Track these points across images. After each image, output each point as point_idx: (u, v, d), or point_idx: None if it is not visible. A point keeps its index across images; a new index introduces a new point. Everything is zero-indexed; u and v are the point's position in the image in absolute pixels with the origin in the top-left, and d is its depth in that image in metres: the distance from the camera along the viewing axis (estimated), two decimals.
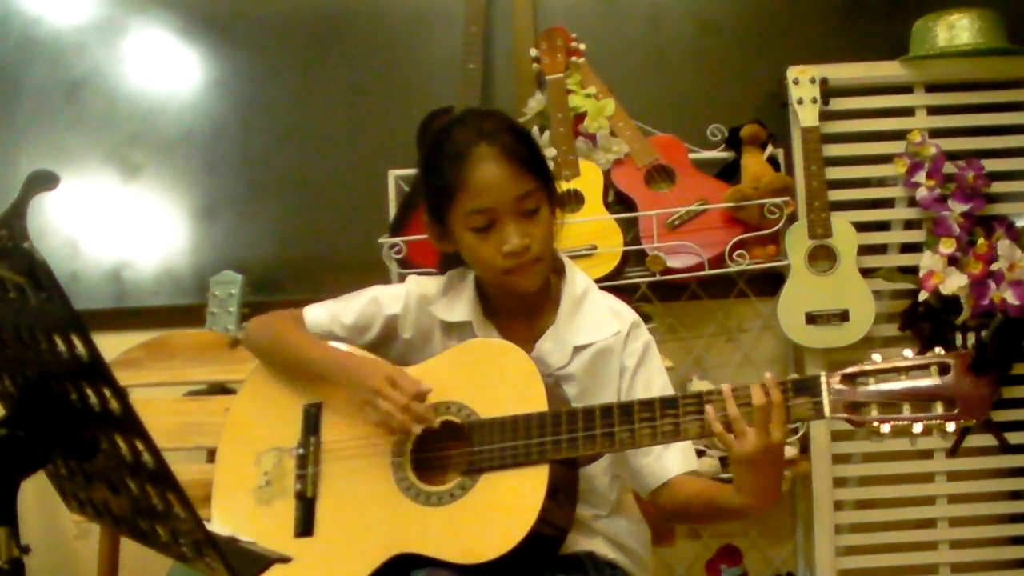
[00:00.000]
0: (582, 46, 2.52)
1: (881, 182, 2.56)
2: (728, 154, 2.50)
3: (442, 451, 1.48)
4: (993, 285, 2.37)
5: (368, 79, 2.68)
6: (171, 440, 2.09)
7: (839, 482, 2.50)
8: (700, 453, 2.23)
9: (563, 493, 1.43)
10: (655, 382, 1.56)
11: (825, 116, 2.48)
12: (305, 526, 1.51)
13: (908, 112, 2.54)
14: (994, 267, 2.37)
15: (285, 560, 1.19)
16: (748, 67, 2.65)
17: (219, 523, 1.55)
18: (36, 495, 2.38)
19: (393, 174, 2.50)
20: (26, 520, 1.11)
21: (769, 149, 2.47)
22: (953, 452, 2.47)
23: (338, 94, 2.68)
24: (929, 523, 2.51)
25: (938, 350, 1.29)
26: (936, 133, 2.51)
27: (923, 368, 1.28)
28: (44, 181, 1.02)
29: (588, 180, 2.40)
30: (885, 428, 1.27)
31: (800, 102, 2.45)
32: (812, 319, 2.41)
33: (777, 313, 2.44)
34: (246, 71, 2.69)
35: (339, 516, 1.50)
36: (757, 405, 1.30)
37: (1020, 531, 2.54)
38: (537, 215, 1.50)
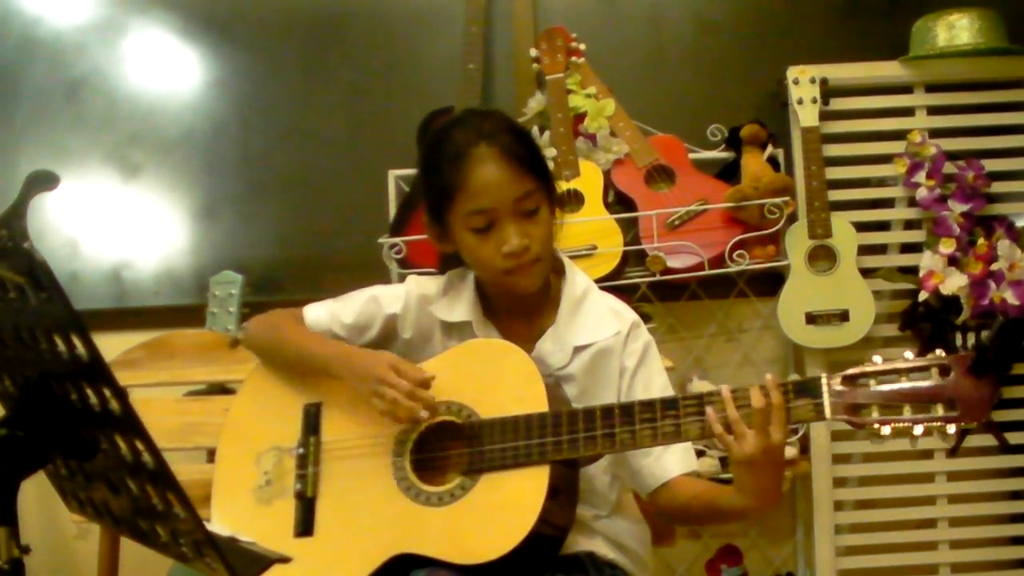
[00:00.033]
0: (582, 46, 2.52)
1: (881, 182, 2.56)
2: (728, 154, 2.50)
3: (442, 451, 1.48)
4: (993, 285, 2.37)
5: (368, 79, 2.68)
6: (171, 440, 2.09)
7: (839, 482, 2.50)
8: (700, 453, 2.23)
9: (563, 493, 1.42)
10: (655, 382, 1.56)
11: (825, 116, 2.48)
12: (305, 526, 1.51)
13: (908, 112, 2.54)
14: (994, 267, 2.37)
15: (285, 560, 1.19)
16: (748, 67, 2.65)
17: (219, 523, 1.55)
18: (36, 495, 2.38)
19: (393, 174, 2.50)
20: (26, 520, 1.11)
21: (769, 149, 2.47)
22: (953, 452, 2.47)
23: (338, 94, 2.68)
24: (929, 523, 2.51)
25: (939, 352, 1.29)
26: (936, 133, 2.51)
27: (924, 370, 1.28)
28: (44, 181, 1.02)
29: (588, 180, 2.40)
30: (886, 430, 1.27)
31: (800, 102, 2.45)
32: (812, 319, 2.41)
33: (777, 313, 2.44)
34: (246, 71, 2.69)
35: (339, 516, 1.50)
36: (756, 407, 1.30)
37: (1020, 531, 2.54)
38: (537, 215, 1.50)
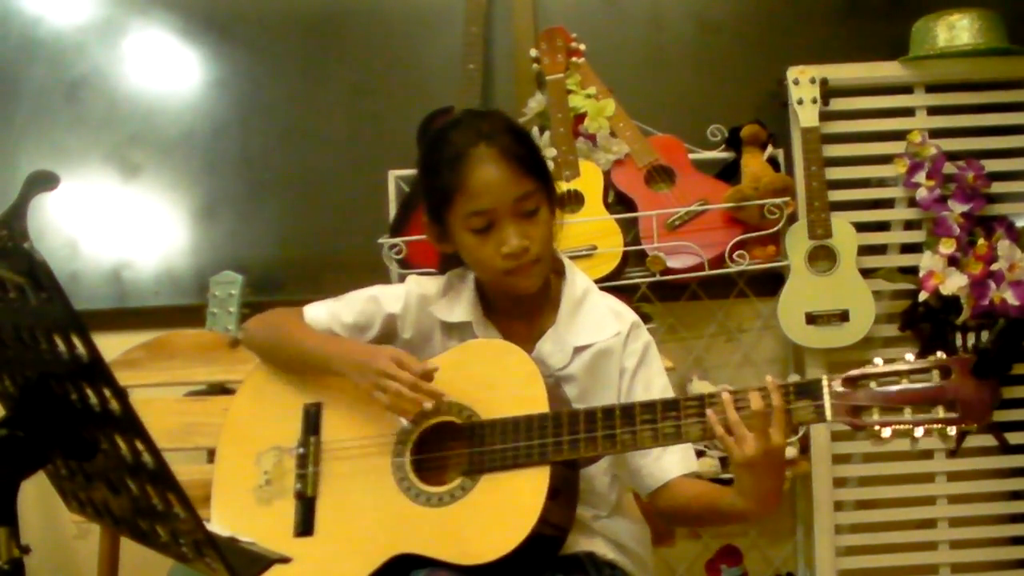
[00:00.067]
0: (582, 46, 2.52)
1: (881, 182, 2.56)
2: (728, 154, 2.50)
3: (442, 451, 1.48)
4: (993, 285, 2.37)
5: (368, 79, 2.68)
6: (171, 440, 2.09)
7: (839, 482, 2.50)
8: (700, 454, 2.23)
9: (564, 494, 1.42)
10: (655, 383, 1.56)
11: (825, 116, 2.48)
12: (305, 526, 1.51)
13: (908, 112, 2.54)
14: (994, 267, 2.37)
15: (285, 560, 1.19)
16: (748, 67, 2.65)
17: (219, 522, 1.55)
18: (36, 495, 2.38)
19: (393, 174, 2.50)
20: (26, 520, 1.12)
21: (769, 149, 2.47)
22: (953, 453, 2.47)
23: (338, 94, 2.68)
24: (929, 523, 2.51)
25: (940, 354, 1.29)
26: (936, 133, 2.51)
27: (925, 372, 1.28)
28: (44, 181, 1.02)
29: (588, 180, 2.40)
30: (886, 432, 1.27)
31: (800, 102, 2.45)
32: (812, 319, 2.41)
33: (777, 313, 2.44)
34: (246, 71, 2.69)
35: (339, 516, 1.50)
36: (755, 411, 1.30)
37: (1020, 531, 2.54)
38: (536, 216, 1.50)
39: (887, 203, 2.56)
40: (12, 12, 2.70)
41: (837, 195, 2.48)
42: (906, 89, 2.55)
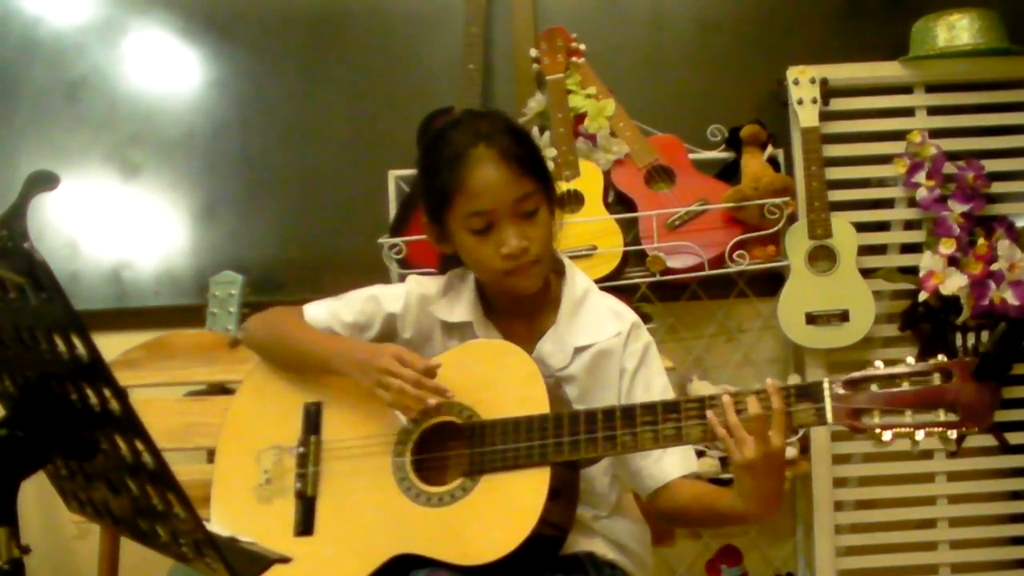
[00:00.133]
0: (582, 46, 2.52)
1: (881, 182, 2.56)
2: (728, 154, 2.50)
3: (443, 452, 1.48)
4: (993, 285, 2.37)
5: (368, 79, 2.68)
6: (171, 440, 2.09)
7: (839, 482, 2.50)
8: (700, 454, 2.23)
9: (564, 495, 1.42)
10: (655, 384, 1.56)
11: (825, 116, 2.48)
12: (305, 525, 1.51)
13: (908, 112, 2.54)
14: (994, 267, 2.37)
15: (285, 560, 1.19)
16: (748, 67, 2.65)
17: (219, 521, 1.55)
18: (36, 495, 2.38)
19: (393, 174, 2.50)
20: (26, 520, 1.12)
21: (769, 149, 2.47)
22: (954, 453, 2.47)
23: (338, 94, 2.68)
24: (929, 523, 2.51)
25: (941, 357, 1.29)
26: (936, 133, 2.51)
27: (925, 374, 1.28)
28: (44, 181, 1.01)
29: (588, 180, 2.40)
30: (887, 435, 1.27)
31: (800, 102, 2.45)
32: (812, 319, 2.41)
33: (777, 313, 2.44)
34: (246, 71, 2.69)
35: (339, 516, 1.50)
36: (754, 414, 1.30)
37: (1020, 531, 2.54)
38: (536, 217, 1.50)
39: (887, 203, 2.56)
40: (12, 12, 2.70)
41: (837, 195, 2.48)
42: (906, 89, 2.55)
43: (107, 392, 0.96)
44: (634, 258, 2.40)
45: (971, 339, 2.40)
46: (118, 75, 2.69)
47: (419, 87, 2.64)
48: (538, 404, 1.43)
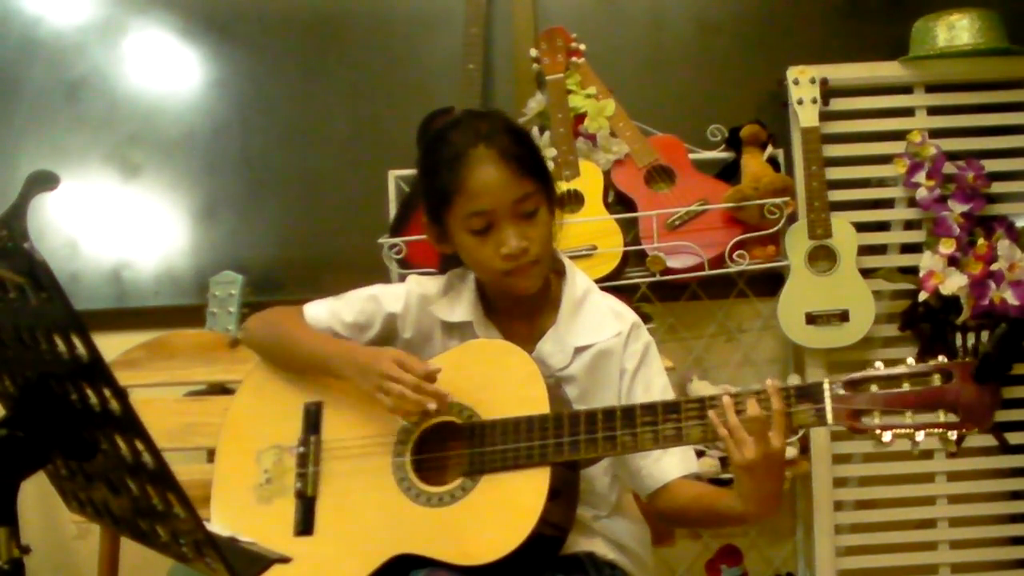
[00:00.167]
0: (582, 46, 2.52)
1: (881, 182, 2.56)
2: (728, 154, 2.50)
3: (443, 452, 1.48)
4: (993, 285, 2.37)
5: (368, 79, 2.68)
6: (171, 440, 2.09)
7: (839, 482, 2.50)
8: (700, 454, 2.23)
9: (564, 495, 1.42)
10: (655, 384, 1.56)
11: (825, 116, 2.48)
12: (305, 525, 1.51)
13: (908, 112, 2.55)
14: (994, 267, 2.37)
15: (285, 560, 1.19)
16: (748, 67, 2.65)
17: (219, 520, 1.55)
18: (36, 495, 2.38)
19: (393, 174, 2.50)
20: (26, 520, 1.12)
21: (769, 149, 2.47)
22: (954, 453, 2.47)
23: (338, 94, 2.68)
24: (929, 523, 2.51)
25: (941, 358, 1.29)
26: (936, 133, 2.51)
27: (926, 375, 1.28)
28: (44, 181, 1.01)
29: (588, 180, 2.40)
30: (887, 436, 1.27)
31: (800, 102, 2.45)
32: (812, 319, 2.41)
33: (777, 313, 2.44)
34: (246, 71, 2.69)
35: (339, 516, 1.50)
36: (753, 415, 1.30)
37: (1020, 531, 2.54)
38: (535, 217, 1.49)
39: (887, 203, 2.56)
40: (12, 12, 2.70)
41: (837, 195, 2.48)
42: (906, 89, 2.55)
43: (107, 392, 0.96)
44: (634, 258, 2.40)
45: (971, 339, 2.40)
46: (118, 75, 2.69)
47: (419, 87, 2.64)
48: (538, 404, 1.43)
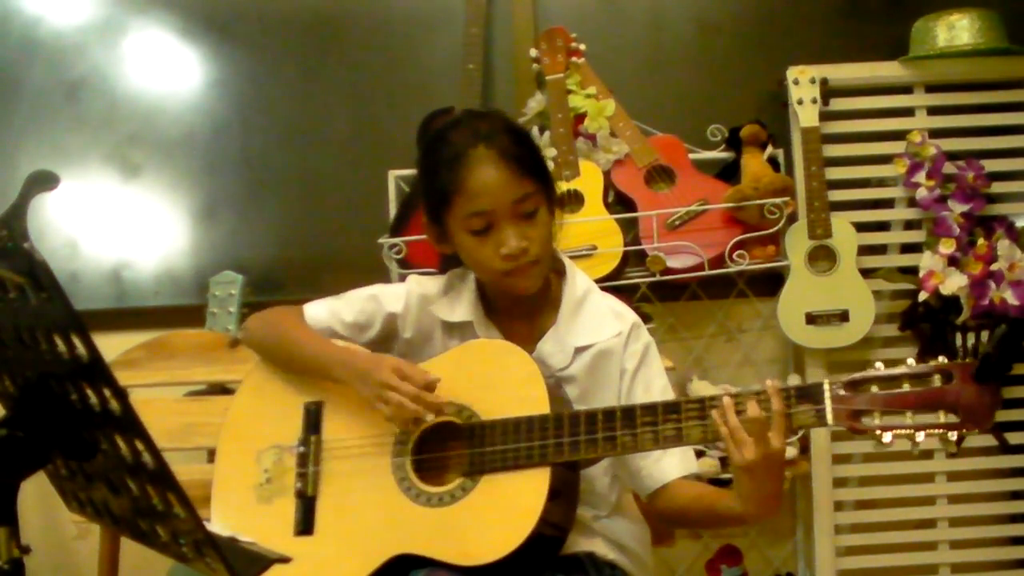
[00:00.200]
0: (582, 46, 2.52)
1: (881, 182, 2.56)
2: (728, 154, 2.50)
3: (443, 452, 1.48)
4: (993, 285, 2.37)
5: (368, 79, 2.68)
6: (171, 440, 2.09)
7: (839, 482, 2.50)
8: (700, 454, 2.23)
9: (564, 495, 1.42)
10: (655, 384, 1.56)
11: (825, 116, 2.48)
12: (305, 525, 1.51)
13: (908, 112, 2.55)
14: (994, 267, 2.37)
15: (285, 560, 1.19)
16: (748, 67, 2.65)
17: (219, 520, 1.55)
18: (36, 495, 2.38)
19: (393, 174, 2.50)
20: (26, 520, 1.12)
21: (769, 149, 2.47)
22: (954, 453, 2.47)
23: (338, 94, 2.68)
24: (929, 523, 2.51)
25: (941, 358, 1.29)
26: (936, 133, 2.51)
27: (926, 376, 1.28)
28: (44, 181, 1.01)
29: (588, 180, 2.40)
30: (887, 437, 1.27)
31: (800, 102, 2.45)
32: (812, 319, 2.41)
33: (777, 313, 2.44)
34: (246, 71, 2.69)
35: (339, 515, 1.49)
36: (752, 417, 1.30)
37: (1020, 531, 2.54)
38: (535, 217, 1.49)
39: (887, 203, 2.56)
40: (12, 12, 2.70)
41: (837, 195, 2.48)
42: (906, 89, 2.55)
43: (107, 392, 0.96)
44: (634, 258, 2.40)
45: (971, 339, 2.40)
46: (118, 75, 2.69)
47: (419, 87, 2.64)
48: (538, 404, 1.43)
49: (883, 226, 2.56)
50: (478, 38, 2.55)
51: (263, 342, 1.64)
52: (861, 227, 2.46)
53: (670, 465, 1.51)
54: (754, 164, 2.43)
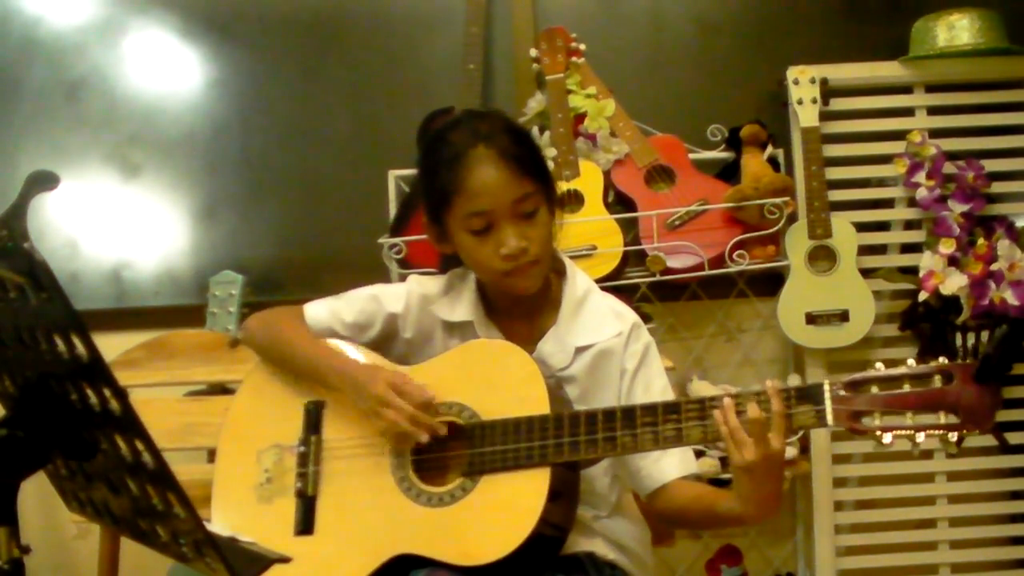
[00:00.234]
0: (582, 46, 2.52)
1: (881, 182, 2.56)
2: (728, 154, 2.50)
3: (443, 452, 1.48)
4: (993, 285, 2.37)
5: (368, 79, 2.68)
6: (171, 440, 2.09)
7: (839, 482, 2.50)
8: (700, 454, 2.23)
9: (564, 495, 1.42)
10: (655, 384, 1.56)
11: (825, 116, 2.48)
12: (305, 525, 1.51)
13: (908, 112, 2.55)
14: (994, 267, 2.37)
15: (285, 560, 1.19)
16: (748, 67, 2.65)
17: (219, 519, 1.55)
18: (36, 495, 2.38)
19: (393, 174, 2.50)
20: (26, 520, 1.12)
21: (769, 149, 2.47)
22: (954, 453, 2.47)
23: (338, 94, 2.68)
24: (929, 523, 2.51)
25: (942, 359, 1.29)
26: (936, 133, 2.51)
27: (926, 377, 1.28)
28: (44, 181, 1.02)
29: (588, 180, 2.40)
30: (887, 438, 1.27)
31: (800, 102, 2.45)
32: (812, 319, 2.41)
33: (777, 313, 2.44)
34: (246, 71, 2.69)
35: (339, 515, 1.49)
36: (752, 418, 1.30)
37: (1020, 531, 2.54)
38: (535, 217, 1.49)
39: (887, 203, 2.56)
40: (12, 12, 2.70)
41: (837, 195, 2.48)
42: (906, 89, 2.55)
43: (107, 392, 0.96)
44: (634, 258, 2.40)
45: (971, 339, 2.40)
46: (118, 75, 2.69)
47: (419, 87, 2.64)
48: (539, 404, 1.43)
49: (883, 226, 2.56)
50: (478, 38, 2.55)
51: (262, 343, 1.64)
52: (861, 227, 2.46)
53: (669, 465, 1.51)
54: (754, 164, 2.43)
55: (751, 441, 1.30)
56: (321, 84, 2.68)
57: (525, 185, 1.48)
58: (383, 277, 2.38)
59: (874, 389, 1.29)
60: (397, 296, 1.61)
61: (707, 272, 2.36)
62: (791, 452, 2.36)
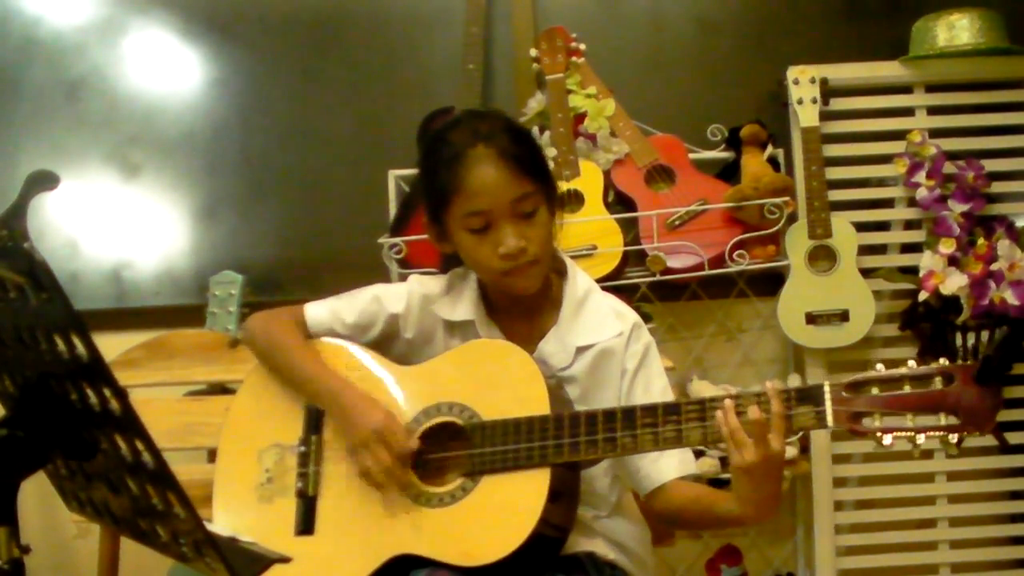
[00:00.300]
0: (582, 46, 2.52)
1: (881, 182, 2.56)
2: (728, 154, 2.50)
3: (443, 452, 1.48)
4: (993, 285, 2.37)
5: (368, 79, 2.68)
6: (171, 440, 2.09)
7: (839, 482, 2.50)
8: (699, 454, 2.23)
9: (564, 496, 1.42)
10: (655, 385, 1.56)
11: (825, 116, 2.48)
12: (306, 525, 1.51)
13: (908, 112, 2.55)
14: (994, 267, 2.37)
15: (285, 560, 1.19)
16: (748, 67, 2.65)
17: (220, 519, 1.55)
18: (36, 495, 2.38)
19: (393, 174, 2.50)
20: (26, 520, 1.11)
21: (769, 149, 2.47)
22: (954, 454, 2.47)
23: (338, 94, 2.68)
24: (929, 523, 2.51)
25: (942, 360, 1.29)
26: (936, 133, 2.51)
27: (927, 378, 1.28)
28: (44, 181, 1.02)
29: (588, 180, 2.40)
30: (888, 439, 1.27)
31: (800, 102, 2.45)
32: (812, 319, 2.41)
33: (777, 313, 2.44)
34: (246, 71, 2.69)
35: (340, 515, 1.49)
36: (752, 420, 1.30)
37: (1020, 531, 2.54)
38: (535, 217, 1.49)
39: (887, 203, 2.56)
40: (12, 12, 2.70)
41: (837, 195, 2.48)
42: (906, 89, 2.55)
43: (107, 392, 0.96)
44: (634, 258, 2.40)
45: (971, 339, 2.40)
46: (118, 75, 2.69)
47: (419, 87, 2.64)
48: (539, 405, 1.43)
49: (883, 226, 2.56)
50: (478, 38, 2.55)
51: (261, 348, 1.62)
52: (861, 227, 2.46)
53: (668, 466, 1.51)
54: (754, 164, 2.43)
55: (751, 442, 1.30)
56: (321, 84, 2.68)
57: (524, 185, 1.48)
58: (383, 277, 2.38)
59: (874, 390, 1.29)
60: (398, 296, 1.61)
61: (707, 272, 2.36)
62: (791, 452, 2.36)
